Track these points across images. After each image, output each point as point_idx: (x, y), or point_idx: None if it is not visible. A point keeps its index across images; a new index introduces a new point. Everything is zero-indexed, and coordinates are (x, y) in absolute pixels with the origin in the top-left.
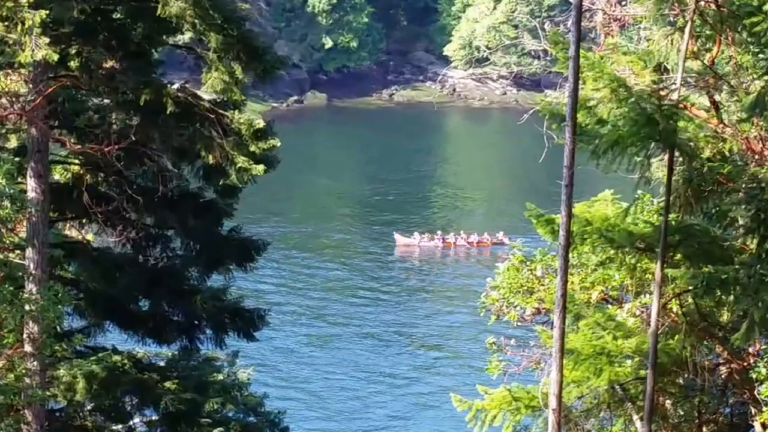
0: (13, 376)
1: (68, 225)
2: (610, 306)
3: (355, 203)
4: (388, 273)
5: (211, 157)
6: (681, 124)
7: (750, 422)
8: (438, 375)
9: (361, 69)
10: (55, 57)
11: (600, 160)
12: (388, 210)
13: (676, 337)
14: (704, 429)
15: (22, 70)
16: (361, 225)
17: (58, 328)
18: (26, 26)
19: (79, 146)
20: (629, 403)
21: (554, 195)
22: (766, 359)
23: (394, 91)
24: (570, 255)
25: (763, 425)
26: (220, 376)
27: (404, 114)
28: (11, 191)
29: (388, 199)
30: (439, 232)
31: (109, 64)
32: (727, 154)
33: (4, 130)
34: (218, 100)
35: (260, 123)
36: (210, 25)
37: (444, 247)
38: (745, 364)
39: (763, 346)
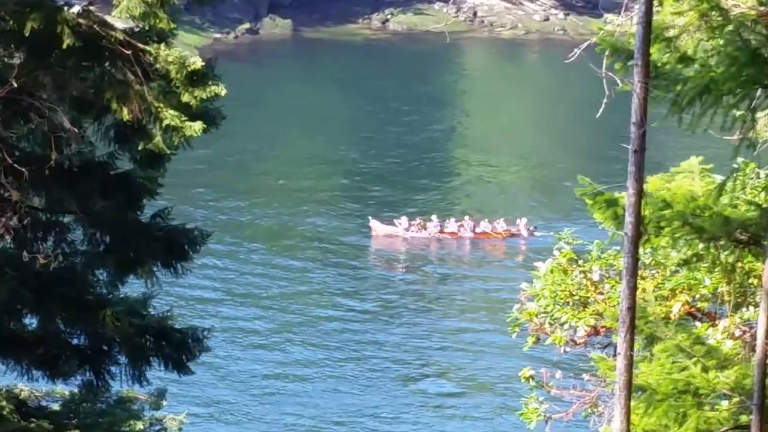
0: None
1: None
2: (698, 323)
3: (330, 176)
4: (372, 274)
5: (126, 111)
6: None
7: None
8: (451, 420)
9: None
10: None
11: (683, 115)
12: (376, 185)
13: None
14: None
15: None
16: (338, 207)
17: None
18: None
19: None
20: None
21: (617, 164)
22: None
23: (389, 17)
24: (641, 251)
25: None
26: (140, 425)
27: (402, 48)
28: None
29: (376, 170)
30: (433, 218)
31: None
32: None
33: None
34: (137, 30)
35: (197, 63)
36: None
37: (440, 238)
38: None
39: None
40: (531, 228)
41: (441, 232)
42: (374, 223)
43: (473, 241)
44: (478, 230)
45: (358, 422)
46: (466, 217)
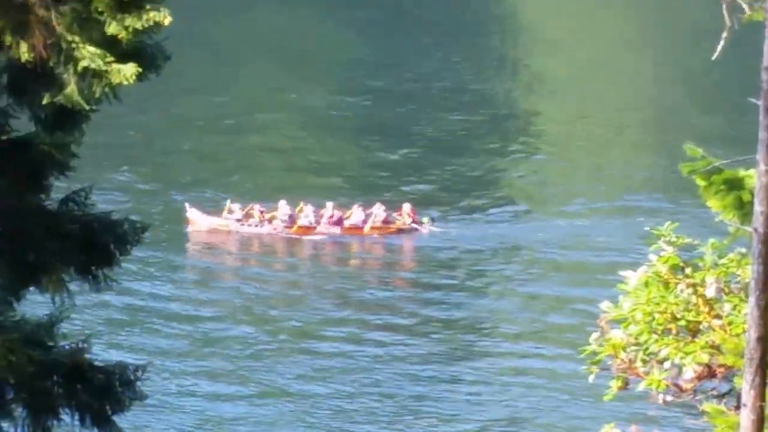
0: None
1: None
2: None
3: (322, 146)
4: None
5: (25, 46)
6: None
7: None
8: None
9: None
10: None
11: None
12: (386, 163)
13: None
14: None
15: None
16: (322, 190)
17: None
18: None
19: None
20: None
21: (743, 128)
22: None
23: None
24: None
25: None
26: None
27: None
28: None
29: (388, 139)
30: (283, 204)
31: None
32: None
33: None
34: None
35: None
36: None
37: (296, 233)
38: None
39: None
40: (424, 220)
41: (329, 220)
42: (191, 212)
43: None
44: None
45: None
46: (330, 204)
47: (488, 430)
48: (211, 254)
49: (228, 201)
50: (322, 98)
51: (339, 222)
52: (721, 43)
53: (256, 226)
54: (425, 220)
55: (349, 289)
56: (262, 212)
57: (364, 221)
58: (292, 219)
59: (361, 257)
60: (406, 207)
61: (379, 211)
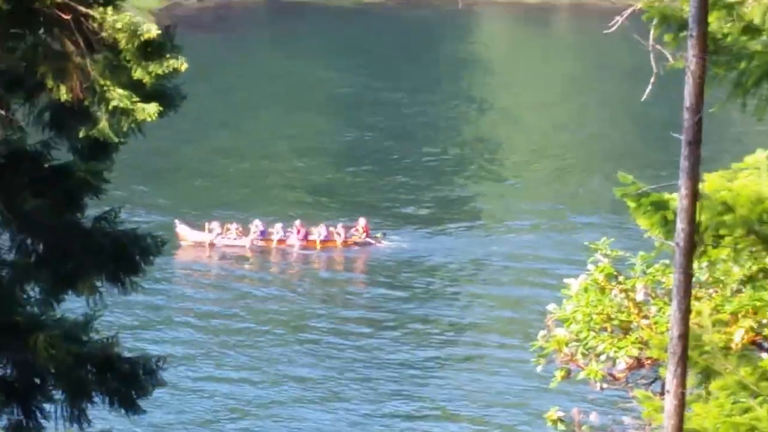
0: None
1: None
2: (765, 355)
3: (314, 176)
4: (376, 279)
5: (64, 89)
6: None
7: None
8: None
9: None
10: None
11: (748, 98)
12: (363, 185)
13: None
14: None
15: None
16: (317, 209)
17: None
18: None
19: None
20: None
21: (667, 159)
22: None
23: None
24: (695, 265)
25: None
26: None
27: (403, 16)
28: None
29: (366, 170)
30: (257, 223)
31: None
32: None
33: None
34: None
35: (152, 31)
36: None
37: (265, 246)
38: None
39: None
40: (377, 235)
41: (299, 237)
42: (180, 228)
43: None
44: (311, 238)
45: None
46: (297, 222)
47: (449, 411)
48: (196, 262)
49: (206, 222)
50: (311, 132)
51: (305, 237)
52: (650, 87)
53: (234, 239)
54: (379, 234)
55: (311, 289)
56: (237, 229)
57: (327, 236)
58: (265, 234)
59: (322, 264)
60: (361, 222)
61: (339, 228)
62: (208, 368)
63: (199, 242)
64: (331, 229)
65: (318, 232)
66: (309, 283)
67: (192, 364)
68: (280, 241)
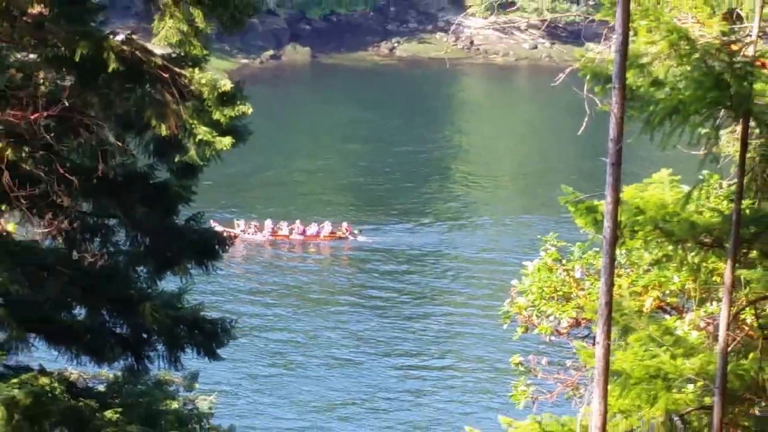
0: None
1: None
2: (667, 316)
3: (341, 188)
4: (387, 269)
5: (164, 127)
6: (757, 86)
7: None
8: (449, 402)
9: (354, 17)
10: None
11: (655, 133)
12: (381, 196)
13: (751, 355)
14: None
15: None
16: (351, 213)
17: None
18: None
19: None
20: None
21: (597, 176)
22: None
23: (396, 45)
24: (617, 252)
25: None
26: (175, 404)
27: (407, 73)
28: None
29: (379, 183)
30: (268, 222)
31: (36, 9)
32: None
33: None
34: (174, 56)
35: (227, 85)
36: None
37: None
38: None
39: None
40: (355, 231)
41: (274, 233)
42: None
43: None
44: (309, 233)
45: (362, 400)
46: (297, 221)
47: (427, 361)
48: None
49: (234, 219)
50: (328, 158)
51: (303, 232)
52: (584, 124)
53: (252, 234)
54: (357, 231)
55: (309, 270)
56: (255, 226)
57: (318, 232)
58: (274, 230)
59: (315, 253)
60: (344, 224)
61: (327, 225)
62: (262, 326)
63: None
64: (323, 226)
65: (314, 229)
66: (305, 261)
67: (249, 322)
68: (284, 236)
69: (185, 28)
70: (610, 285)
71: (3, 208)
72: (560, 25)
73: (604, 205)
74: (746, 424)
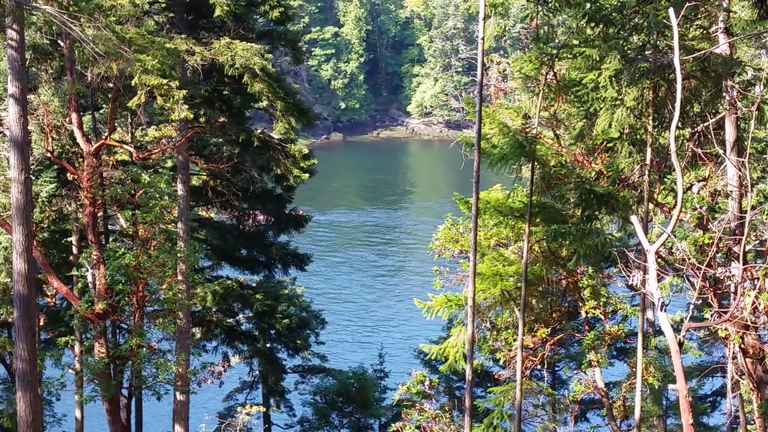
0: (171, 293)
1: (200, 209)
2: (501, 248)
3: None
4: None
5: (279, 169)
6: (538, 147)
7: (578, 311)
8: (408, 293)
9: (361, 119)
10: (191, 116)
11: (493, 168)
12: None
13: (537, 264)
14: (554, 315)
15: (173, 123)
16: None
17: (195, 266)
18: (175, 99)
19: (205, 165)
20: (512, 302)
21: (468, 188)
22: (586, 275)
23: (380, 131)
24: (480, 221)
25: (586, 312)
26: (286, 291)
27: (386, 145)
28: (168, 191)
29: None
30: None
31: (221, 119)
32: (563, 163)
33: (165, 156)
34: (282, 138)
35: (305, 150)
36: (277, 96)
37: None
38: (575, 278)
39: (585, 269)
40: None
41: None
42: None
43: None
44: None
45: (376, 304)
46: None
47: (380, 320)
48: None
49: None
50: (344, 210)
51: None
52: (462, 166)
53: None
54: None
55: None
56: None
57: None
58: None
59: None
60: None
61: None
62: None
63: None
64: None
65: None
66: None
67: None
68: None
69: (287, 126)
70: (475, 235)
71: (209, 207)
72: (452, 121)
73: (472, 200)
74: (536, 294)
